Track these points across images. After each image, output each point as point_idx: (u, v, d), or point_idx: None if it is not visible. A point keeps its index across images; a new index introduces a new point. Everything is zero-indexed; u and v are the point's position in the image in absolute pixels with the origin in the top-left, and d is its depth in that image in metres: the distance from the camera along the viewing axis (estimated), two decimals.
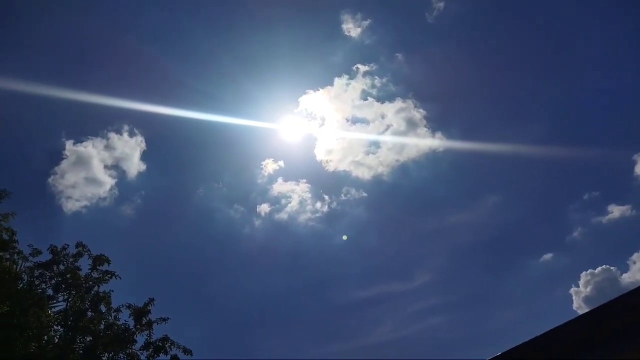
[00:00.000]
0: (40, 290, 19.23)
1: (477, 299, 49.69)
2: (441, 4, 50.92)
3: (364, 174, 51.81)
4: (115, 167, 45.57)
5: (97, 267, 20.75)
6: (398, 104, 52.05)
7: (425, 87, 55.66)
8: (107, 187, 44.33)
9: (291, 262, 50.97)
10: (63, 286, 19.88)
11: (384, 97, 55.14)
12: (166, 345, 20.02)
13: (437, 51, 55.45)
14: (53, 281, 19.83)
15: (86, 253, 20.77)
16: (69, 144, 44.01)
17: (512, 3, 53.60)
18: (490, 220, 52.66)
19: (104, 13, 50.39)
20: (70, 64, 49.43)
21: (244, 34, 52.99)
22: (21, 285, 18.53)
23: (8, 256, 17.92)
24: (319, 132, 51.54)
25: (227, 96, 50.96)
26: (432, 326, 47.54)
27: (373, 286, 50.47)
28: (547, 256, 48.68)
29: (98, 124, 49.51)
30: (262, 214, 50.14)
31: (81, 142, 44.71)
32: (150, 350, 19.98)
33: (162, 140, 51.05)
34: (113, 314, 20.50)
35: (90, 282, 20.49)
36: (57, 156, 43.25)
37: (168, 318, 20.73)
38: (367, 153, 52.23)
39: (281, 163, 50.01)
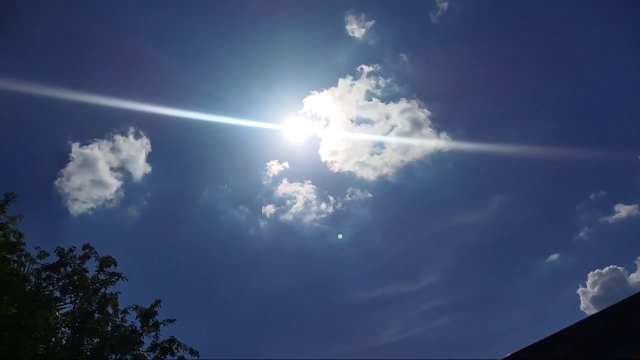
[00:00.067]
0: (47, 293, 19.29)
1: (483, 299, 49.55)
2: (445, 4, 50.90)
3: (369, 174, 51.82)
4: (121, 169, 45.86)
5: (104, 269, 20.81)
6: (402, 104, 52.07)
7: (429, 87, 55.69)
8: (113, 189, 44.65)
9: (296, 263, 51.04)
10: (70, 288, 19.95)
11: (388, 98, 55.22)
12: (173, 347, 20.04)
13: (441, 51, 55.43)
14: (60, 283, 19.90)
15: (93, 255, 20.83)
16: (75, 147, 44.36)
17: (516, 3, 53.54)
18: (497, 221, 52.51)
19: (108, 15, 50.63)
20: (76, 66, 49.77)
21: (248, 35, 53.12)
22: (29, 287, 18.59)
23: (15, 258, 17.97)
24: (324, 133, 51.61)
25: (231, 97, 51.20)
26: (438, 327, 47.45)
27: (379, 287, 50.44)
28: (554, 256, 48.49)
29: (104, 126, 49.89)
30: (268, 215, 50.25)
31: (87, 144, 45.05)
32: (157, 351, 20.00)
33: (167, 142, 51.30)
34: (120, 316, 20.56)
35: (97, 284, 20.54)
36: (63, 159, 43.58)
37: (175, 319, 20.76)
38: (372, 154, 52.24)
39: (286, 164, 50.13)
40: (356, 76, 53.77)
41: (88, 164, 45.03)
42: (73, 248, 20.65)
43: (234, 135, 52.84)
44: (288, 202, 51.63)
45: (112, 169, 45.82)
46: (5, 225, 17.35)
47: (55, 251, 20.22)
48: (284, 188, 50.76)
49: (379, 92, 52.16)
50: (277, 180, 52.90)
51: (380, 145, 52.05)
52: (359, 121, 53.26)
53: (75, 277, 20.10)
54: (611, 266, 42.04)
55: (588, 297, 42.52)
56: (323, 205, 50.89)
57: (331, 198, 51.50)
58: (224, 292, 48.99)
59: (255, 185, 53.15)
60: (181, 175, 53.61)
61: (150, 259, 45.06)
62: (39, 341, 17.01)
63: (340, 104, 53.92)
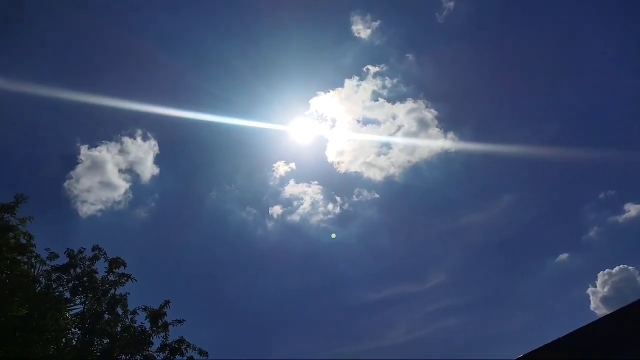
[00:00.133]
0: (57, 294, 19.41)
1: (491, 300, 49.28)
2: (451, 4, 50.69)
3: (376, 175, 51.72)
4: (129, 171, 46.10)
5: (113, 270, 20.90)
6: (409, 104, 51.95)
7: (436, 87, 55.50)
8: (122, 190, 44.90)
9: (303, 264, 51.05)
10: (80, 289, 20.05)
11: (394, 98, 55.09)
12: (182, 347, 20.10)
13: (447, 51, 55.21)
14: (70, 284, 20.02)
15: (102, 256, 20.94)
16: (83, 149, 44.65)
17: (523, 2, 53.21)
18: (505, 221, 52.21)
19: (116, 17, 50.87)
20: (84, 69, 50.07)
21: (254, 37, 53.22)
22: (39, 288, 18.70)
23: (26, 260, 18.08)
24: (330, 134, 51.59)
25: (238, 98, 51.31)
26: (446, 328, 47.27)
27: (386, 288, 50.34)
28: (563, 256, 48.17)
29: (112, 128, 50.23)
30: (275, 216, 50.30)
31: (95, 146, 45.37)
32: (166, 352, 20.07)
33: (174, 144, 51.51)
34: (129, 317, 20.63)
35: (107, 285, 20.64)
36: (72, 161, 43.92)
37: (184, 320, 20.80)
38: (379, 154, 52.14)
39: (292, 165, 50.15)
40: (362, 76, 53.75)
41: (96, 166, 45.37)
42: (83, 249, 20.81)
43: (241, 136, 53.05)
44: (295, 203, 51.71)
45: (120, 170, 46.13)
46: (16, 227, 17.47)
47: (65, 252, 20.36)
48: (291, 189, 50.85)
49: (385, 93, 52.11)
50: (284, 181, 53.03)
51: (387, 146, 51.98)
52: (366, 121, 53.25)
53: (85, 278, 20.22)
54: (621, 266, 41.70)
55: (598, 297, 42.19)
56: (330, 206, 50.92)
57: (338, 199, 51.50)
58: (231, 293, 49.15)
59: (262, 186, 53.27)
60: (189, 176, 53.85)
61: (158, 259, 45.31)
62: (50, 342, 17.11)
63: (347, 105, 53.95)
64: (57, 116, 48.55)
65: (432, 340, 46.60)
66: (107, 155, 45.77)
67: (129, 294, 20.95)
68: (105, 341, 19.91)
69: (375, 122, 53.60)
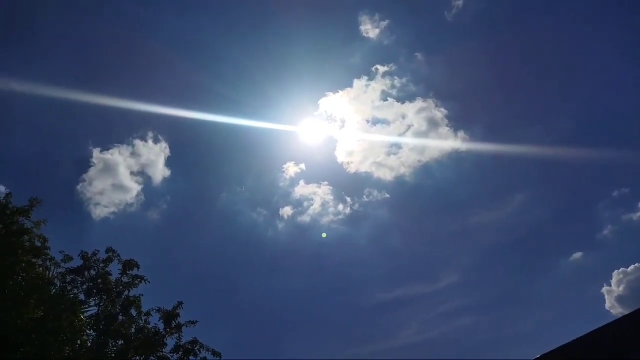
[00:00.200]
0: (72, 295, 19.60)
1: (504, 300, 48.87)
2: (460, 2, 50.39)
3: (386, 175, 51.53)
4: (141, 174, 46.45)
5: (127, 272, 21.08)
6: (418, 103, 51.69)
7: (445, 86, 55.14)
8: (134, 193, 45.25)
9: (314, 264, 51.04)
10: (94, 291, 20.26)
11: (404, 97, 54.91)
12: (195, 348, 20.19)
13: (457, 49, 54.88)
14: (84, 286, 20.25)
15: (116, 258, 21.13)
16: (96, 152, 45.09)
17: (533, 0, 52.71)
18: (517, 220, 51.77)
19: (127, 20, 51.26)
20: (95, 72, 50.47)
21: (263, 38, 53.33)
22: (54, 290, 18.87)
23: (40, 262, 18.25)
24: (339, 134, 51.48)
25: (247, 99, 51.40)
26: (458, 328, 46.98)
27: (397, 288, 50.19)
28: (577, 255, 47.65)
29: (123, 131, 50.61)
30: (285, 216, 50.33)
31: (107, 149, 45.74)
32: (180, 353, 20.17)
33: (185, 146, 51.83)
34: (143, 318, 20.81)
35: (121, 287, 20.83)
36: (85, 164, 44.31)
37: (196, 321, 20.89)
38: (389, 154, 51.94)
39: (302, 166, 50.13)
40: (371, 76, 53.57)
41: (109, 168, 45.75)
42: (96, 251, 21.02)
43: (251, 137, 53.19)
44: (305, 204, 51.70)
45: (132, 173, 46.47)
46: (30, 230, 17.63)
47: (79, 255, 20.61)
48: (301, 189, 50.82)
49: (394, 92, 51.91)
50: (293, 181, 52.99)
51: (397, 145, 51.73)
52: (375, 121, 53.02)
53: (99, 280, 20.41)
54: (636, 264, 41.12)
55: (613, 296, 41.68)
56: (340, 206, 50.83)
57: (348, 199, 51.40)
58: (243, 294, 49.28)
59: (272, 187, 53.30)
60: (199, 178, 54.06)
61: (170, 261, 45.60)
62: (65, 343, 17.23)
63: (356, 105, 53.79)
64: (69, 120, 49.15)
65: (444, 341, 46.36)
66: (119, 158, 46.17)
67: (142, 295, 21.16)
68: (119, 342, 20.07)
69: (384, 121, 53.36)
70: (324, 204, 50.74)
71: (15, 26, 48.46)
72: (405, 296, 49.67)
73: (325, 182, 51.03)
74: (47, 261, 18.72)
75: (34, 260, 17.63)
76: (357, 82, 52.71)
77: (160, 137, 47.81)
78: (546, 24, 54.14)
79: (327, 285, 51.25)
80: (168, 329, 20.51)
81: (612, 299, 41.39)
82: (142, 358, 20.05)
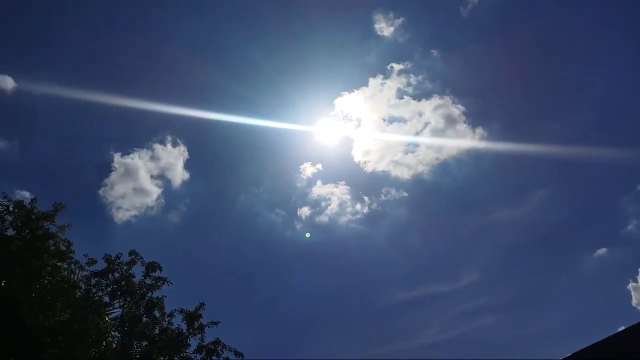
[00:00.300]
0: (97, 298, 19.90)
1: (528, 298, 48.08)
2: None
3: (404, 173, 51.18)
4: (161, 177, 47.07)
5: (150, 274, 21.31)
6: (435, 100, 51.22)
7: (462, 82, 54.51)
8: (154, 196, 45.84)
9: (334, 264, 50.96)
10: (118, 293, 20.52)
11: (420, 95, 54.52)
12: (218, 348, 20.34)
13: (473, 45, 54.27)
14: (109, 289, 20.52)
15: (139, 261, 21.37)
16: (117, 157, 45.79)
17: None
18: (539, 217, 50.93)
19: (144, 23, 51.88)
20: (114, 77, 51.12)
21: (279, 39, 53.45)
22: (79, 293, 19.20)
23: (66, 266, 18.58)
24: (356, 134, 51.29)
25: (263, 100, 51.60)
26: (481, 327, 46.41)
27: (417, 287, 49.82)
28: (601, 251, 46.72)
29: (143, 135, 51.42)
30: (303, 217, 50.33)
31: (128, 154, 46.48)
32: (203, 353, 20.34)
33: (203, 149, 52.28)
34: (167, 319, 21.01)
35: (144, 289, 21.06)
36: (106, 169, 45.05)
37: (219, 322, 21.05)
38: (406, 152, 51.57)
39: (319, 166, 50.10)
40: (387, 75, 53.27)
41: (130, 173, 46.40)
42: (120, 254, 21.29)
43: (267, 138, 53.38)
44: (323, 204, 51.67)
45: (152, 177, 47.06)
46: (55, 235, 17.96)
47: (103, 258, 20.87)
48: (319, 190, 50.76)
49: (410, 90, 51.53)
50: (311, 182, 53.01)
51: (414, 143, 51.33)
52: (391, 120, 52.66)
53: (123, 283, 20.67)
54: None
55: None
56: (358, 206, 50.67)
57: (366, 198, 51.21)
58: (264, 294, 49.48)
59: (290, 187, 53.35)
60: (218, 180, 54.47)
61: (191, 263, 46.00)
62: (91, 345, 17.53)
63: (372, 104, 53.50)
64: (91, 126, 50.04)
65: (467, 340, 45.81)
66: (140, 162, 46.82)
67: (165, 297, 21.36)
68: (144, 344, 20.32)
69: (401, 120, 52.97)
70: (341, 204, 50.69)
71: (37, 34, 49.48)
72: (426, 295, 49.32)
73: (343, 182, 50.98)
74: (72, 265, 19.03)
75: (59, 264, 17.98)
76: (372, 81, 52.51)
77: (179, 141, 48.38)
78: (564, 19, 53.19)
79: (346, 285, 51.16)
80: (191, 330, 20.71)
81: (639, 296, 40.53)
82: (166, 359, 20.27)
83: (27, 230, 17.44)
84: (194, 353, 20.40)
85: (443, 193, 53.41)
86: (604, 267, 46.53)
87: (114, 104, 43.57)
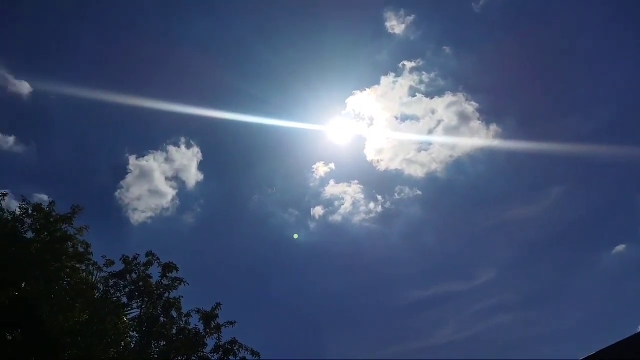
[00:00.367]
0: (115, 299, 20.15)
1: (545, 296, 47.37)
2: None
3: (417, 171, 50.87)
4: (175, 178, 47.52)
5: (166, 275, 21.52)
6: (448, 98, 50.83)
7: (475, 78, 53.96)
8: (169, 197, 46.32)
9: (348, 264, 50.81)
10: (136, 294, 20.77)
11: (432, 92, 54.06)
12: (234, 348, 20.48)
13: (486, 41, 53.69)
14: (127, 289, 20.78)
15: (155, 261, 21.58)
16: (132, 159, 46.37)
17: None
18: (555, 213, 50.16)
19: (154, 24, 52.31)
20: (127, 80, 51.63)
21: (290, 38, 53.48)
22: (98, 294, 19.43)
23: (84, 267, 18.80)
24: (368, 132, 51.07)
25: (275, 99, 51.72)
26: (497, 326, 45.84)
27: (433, 286, 49.45)
28: (620, 247, 45.89)
29: (157, 137, 51.86)
30: (316, 216, 50.32)
31: (143, 156, 47.00)
32: (220, 352, 20.50)
33: (216, 150, 52.57)
34: (183, 319, 21.22)
35: (161, 289, 21.28)
36: (122, 171, 45.56)
37: (235, 321, 21.19)
38: (419, 150, 51.23)
39: (332, 165, 50.02)
40: (398, 73, 53.03)
41: (145, 174, 46.90)
42: (137, 255, 21.54)
43: (280, 137, 53.34)
44: (336, 203, 51.54)
45: (166, 178, 47.49)
46: (73, 237, 18.17)
47: (120, 259, 21.15)
48: (331, 189, 50.63)
49: (422, 87, 51.17)
50: (323, 181, 52.93)
51: (427, 141, 50.97)
52: (404, 118, 52.29)
53: (140, 283, 20.91)
54: None
55: None
56: (371, 205, 50.44)
57: (379, 197, 50.94)
58: (278, 294, 49.50)
59: (303, 187, 53.26)
60: (231, 180, 54.67)
61: (206, 263, 46.25)
62: (110, 345, 17.73)
63: (384, 102, 53.16)
64: (106, 129, 50.66)
65: (483, 339, 45.26)
66: (154, 164, 47.30)
67: (182, 297, 21.55)
68: (161, 343, 20.53)
69: (413, 117, 52.50)
70: (354, 203, 50.55)
71: (51, 38, 50.19)
72: (442, 294, 48.86)
73: (356, 181, 50.82)
74: (90, 266, 19.27)
75: (77, 265, 18.21)
76: (384, 79, 52.27)
77: (192, 142, 48.74)
78: (578, 13, 52.36)
79: (360, 284, 50.93)
80: (208, 330, 20.89)
81: None
82: (183, 358, 20.47)
83: (45, 233, 17.67)
84: (210, 352, 20.61)
85: (457, 191, 52.95)
86: (623, 264, 45.75)
87: (129, 107, 44.08)
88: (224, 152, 54.85)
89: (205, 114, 45.84)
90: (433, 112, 50.65)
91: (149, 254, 21.64)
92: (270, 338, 41.05)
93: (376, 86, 52.86)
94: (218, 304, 21.33)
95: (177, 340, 20.51)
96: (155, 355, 20.10)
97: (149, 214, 46.12)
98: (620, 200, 49.71)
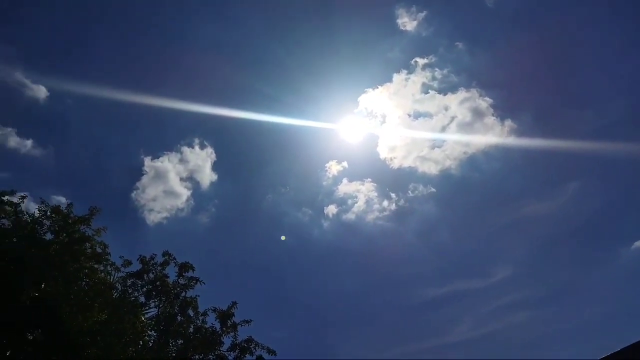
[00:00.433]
0: (133, 298, 20.39)
1: (563, 293, 46.64)
2: None
3: (431, 168, 50.46)
4: (190, 179, 47.93)
5: (183, 274, 21.71)
6: (461, 94, 50.32)
7: (489, 74, 53.30)
8: (184, 198, 46.72)
9: (363, 262, 50.65)
10: (154, 293, 20.98)
11: (446, 89, 53.63)
12: (251, 346, 20.59)
13: (499, 36, 53.09)
14: (144, 289, 21.00)
15: (172, 261, 21.79)
16: (147, 160, 46.88)
17: None
18: (572, 209, 49.37)
19: (166, 24, 52.71)
20: (142, 82, 52.07)
21: (301, 37, 53.48)
22: (116, 294, 19.68)
23: (102, 268, 19.07)
24: (381, 130, 50.79)
25: (287, 98, 51.52)
26: (515, 323, 45.20)
27: (449, 283, 49.07)
28: (639, 243, 45.23)
29: (171, 139, 52.29)
30: (330, 215, 50.29)
31: (158, 157, 47.38)
32: (236, 351, 20.63)
33: (230, 150, 52.82)
34: (200, 318, 21.37)
35: (178, 288, 21.47)
36: (137, 172, 46.05)
37: (251, 320, 21.31)
38: (433, 147, 50.85)
39: (345, 164, 49.91)
40: (411, 70, 52.53)
41: (160, 175, 47.35)
42: (154, 255, 21.75)
43: (292, 136, 53.32)
44: (349, 202, 51.44)
45: (181, 179, 47.88)
46: (91, 238, 18.46)
47: (137, 259, 21.38)
48: (345, 187, 50.49)
49: (435, 84, 50.70)
50: (337, 180, 52.80)
51: (441, 138, 50.60)
52: (417, 115, 51.88)
53: (158, 283, 21.12)
54: None
55: None
56: (385, 203, 50.22)
57: (393, 195, 50.69)
58: (293, 293, 49.62)
59: (316, 186, 53.19)
60: (245, 180, 54.88)
61: (221, 262, 46.56)
62: (128, 344, 17.98)
63: (396, 99, 52.74)
64: (122, 131, 51.24)
65: (500, 337, 44.73)
66: (169, 165, 47.73)
67: (198, 296, 21.73)
68: (179, 342, 20.72)
69: (427, 115, 52.04)
70: (368, 201, 50.39)
71: (66, 42, 50.85)
72: (458, 292, 48.45)
73: (369, 179, 50.66)
74: (109, 266, 19.53)
75: (96, 266, 18.51)
76: (396, 77, 51.89)
77: (206, 143, 49.06)
78: (593, 7, 51.51)
79: (376, 283, 50.70)
80: (224, 328, 21.03)
81: None
82: (201, 357, 20.63)
83: (64, 234, 17.99)
84: (227, 351, 20.75)
85: (472, 188, 52.42)
86: None
87: (143, 109, 44.52)
88: (238, 152, 55.19)
89: (219, 113, 46.09)
90: (446, 108, 50.25)
91: (165, 254, 21.85)
92: (285, 337, 41.22)
93: (388, 84, 52.58)
94: (234, 303, 21.48)
95: (195, 339, 20.68)
96: (173, 354, 20.30)
97: (165, 214, 46.58)
98: (638, 195, 48.89)
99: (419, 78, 50.51)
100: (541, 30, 50.72)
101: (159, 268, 21.48)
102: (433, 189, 50.34)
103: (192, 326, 21.14)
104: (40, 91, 44.23)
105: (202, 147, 49.30)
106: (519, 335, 43.65)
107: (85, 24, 51.16)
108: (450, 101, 50.20)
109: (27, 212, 18.14)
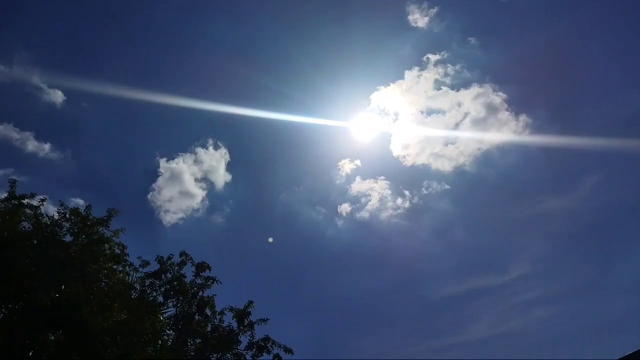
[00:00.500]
0: (151, 298, 20.67)
1: (583, 289, 45.79)
2: None
3: (445, 165, 50.03)
4: (205, 180, 48.36)
5: (200, 274, 21.94)
6: (475, 89, 49.86)
7: (503, 69, 52.61)
8: (199, 198, 47.15)
9: (378, 260, 50.53)
10: (172, 293, 21.23)
11: (459, 85, 53.16)
12: (268, 345, 20.73)
13: (512, 31, 52.45)
14: (162, 289, 21.26)
15: (189, 261, 22.04)
16: (162, 162, 47.40)
17: None
18: (590, 204, 48.51)
19: (179, 24, 53.17)
20: (156, 83, 52.59)
21: (313, 36, 53.53)
22: (135, 294, 19.96)
23: (121, 268, 19.36)
24: (394, 128, 50.54)
25: (299, 96, 51.66)
26: (534, 320, 44.54)
27: (466, 281, 48.55)
28: None
29: (186, 140, 52.75)
30: (344, 214, 50.23)
31: (173, 159, 47.92)
32: (254, 350, 20.79)
33: (243, 150, 53.14)
34: (218, 317, 21.59)
35: (195, 288, 21.70)
36: (153, 174, 46.61)
37: (268, 319, 21.44)
38: (446, 144, 50.39)
39: (358, 162, 49.79)
40: (423, 66, 52.23)
41: (175, 177, 47.89)
42: (171, 256, 22.02)
43: (305, 135, 53.32)
44: (363, 200, 51.27)
45: (196, 180, 48.30)
46: (110, 239, 18.76)
47: (155, 259, 21.66)
48: (358, 186, 50.33)
49: (448, 80, 50.26)
50: (350, 178, 52.71)
51: (455, 134, 50.15)
52: (430, 112, 51.48)
53: (175, 283, 21.37)
54: None
55: None
56: (399, 201, 49.96)
57: (407, 192, 50.37)
58: (309, 292, 49.71)
59: (329, 185, 53.15)
60: (259, 180, 55.03)
61: (236, 262, 46.86)
62: (148, 344, 18.21)
63: (409, 96, 52.39)
64: (137, 134, 51.89)
65: (518, 334, 44.20)
66: (184, 166, 48.23)
67: (215, 295, 21.95)
68: (197, 341, 20.96)
69: (439, 111, 51.61)
70: (382, 199, 50.19)
71: (81, 47, 51.61)
72: (475, 289, 47.92)
73: (382, 177, 50.47)
74: (127, 267, 19.85)
75: (115, 267, 18.80)
76: (408, 74, 51.58)
77: (220, 144, 49.40)
78: (609, 1, 50.60)
79: (391, 281, 50.39)
80: (241, 327, 21.21)
81: None
82: (219, 355, 20.83)
83: (83, 236, 18.33)
84: (245, 350, 20.90)
85: (487, 184, 51.88)
86: None
87: (158, 111, 45.03)
88: (251, 152, 55.47)
89: (232, 113, 46.36)
90: (460, 104, 49.84)
91: (182, 254, 22.09)
92: (301, 335, 41.33)
93: (400, 81, 52.32)
94: (251, 302, 21.63)
95: (213, 338, 20.88)
96: (192, 353, 20.54)
97: (181, 215, 47.04)
98: None
99: (431, 74, 50.23)
100: (556, 23, 50.06)
101: (176, 268, 21.74)
102: (447, 186, 49.98)
103: (210, 325, 21.37)
104: (57, 95, 45.06)
105: (216, 147, 49.73)
106: (539, 333, 43.15)
107: (99, 27, 51.94)
108: (463, 97, 49.85)
109: (46, 215, 18.55)
